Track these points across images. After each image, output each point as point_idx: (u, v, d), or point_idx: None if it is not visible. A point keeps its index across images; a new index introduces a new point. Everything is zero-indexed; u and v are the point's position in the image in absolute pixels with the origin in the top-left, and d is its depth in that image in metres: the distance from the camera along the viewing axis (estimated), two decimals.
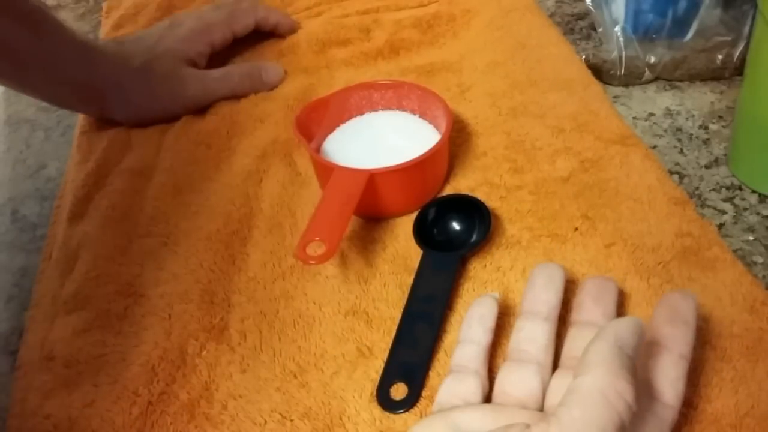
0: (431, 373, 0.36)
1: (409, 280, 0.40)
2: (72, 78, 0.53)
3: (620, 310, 0.37)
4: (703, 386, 0.33)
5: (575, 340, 0.34)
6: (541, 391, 0.32)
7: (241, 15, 0.61)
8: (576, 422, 0.24)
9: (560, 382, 0.32)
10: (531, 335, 0.34)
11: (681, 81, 0.56)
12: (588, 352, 0.26)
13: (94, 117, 0.56)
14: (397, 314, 0.38)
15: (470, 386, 0.33)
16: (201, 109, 0.56)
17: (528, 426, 0.26)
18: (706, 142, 0.50)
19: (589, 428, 0.24)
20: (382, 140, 0.48)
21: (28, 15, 0.49)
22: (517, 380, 0.32)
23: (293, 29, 0.64)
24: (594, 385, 0.25)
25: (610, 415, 0.25)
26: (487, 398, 0.33)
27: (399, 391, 0.35)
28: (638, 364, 0.33)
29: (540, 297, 0.35)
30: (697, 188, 0.46)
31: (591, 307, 0.35)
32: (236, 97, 0.56)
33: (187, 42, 0.56)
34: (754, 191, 0.46)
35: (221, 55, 0.61)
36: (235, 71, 0.57)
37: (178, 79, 0.55)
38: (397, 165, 0.43)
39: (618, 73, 0.56)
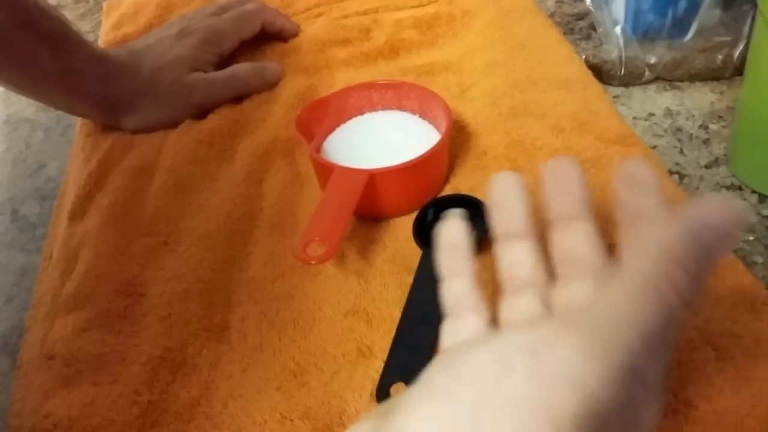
0: None
1: (409, 280, 0.40)
2: (90, 91, 0.53)
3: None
4: (704, 386, 0.33)
5: (560, 241, 0.31)
6: (546, 310, 0.29)
7: (249, 21, 0.61)
8: (611, 308, 0.20)
9: (562, 296, 0.29)
10: (516, 258, 0.31)
11: (681, 81, 0.56)
12: (646, 238, 0.22)
13: (110, 125, 0.57)
14: (397, 314, 0.38)
15: (473, 324, 0.29)
16: None
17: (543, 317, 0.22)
18: (706, 142, 0.50)
19: (625, 317, 0.20)
20: (382, 140, 0.48)
21: (50, 32, 0.50)
22: (520, 309, 0.29)
23: (296, 34, 0.64)
24: (641, 269, 0.21)
25: (655, 306, 0.20)
26: None
27: (399, 391, 0.35)
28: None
29: (507, 214, 0.31)
30: (697, 188, 0.47)
31: (560, 199, 0.31)
32: (240, 97, 0.57)
33: (197, 51, 0.56)
34: (754, 191, 0.46)
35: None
36: (239, 73, 0.57)
37: (185, 87, 0.55)
38: (397, 165, 0.43)
39: (618, 73, 0.56)
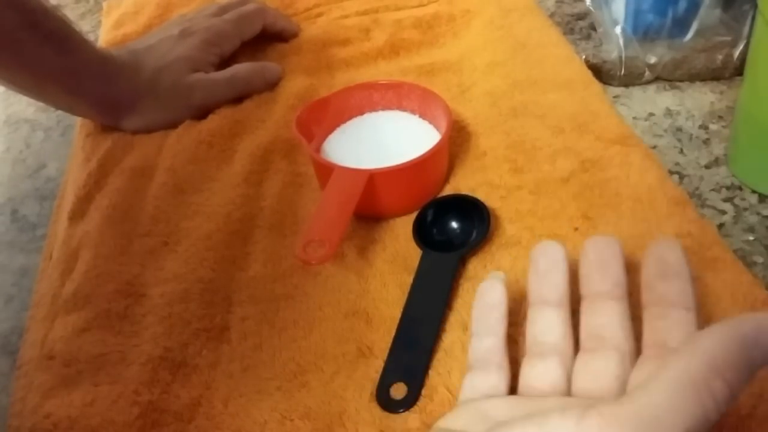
0: (431, 373, 0.36)
1: (409, 280, 0.40)
2: (91, 91, 0.53)
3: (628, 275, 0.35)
4: None
5: (590, 317, 0.32)
6: (566, 381, 0.30)
7: (250, 23, 0.61)
8: (654, 407, 0.21)
9: (584, 366, 0.30)
10: (546, 325, 0.32)
11: (681, 81, 0.56)
12: (695, 337, 0.22)
13: (111, 125, 0.57)
14: (397, 314, 0.38)
15: (494, 380, 0.31)
16: None
17: (591, 406, 0.22)
18: (706, 142, 0.50)
19: (666, 417, 0.21)
20: (382, 140, 0.48)
21: (53, 32, 0.50)
22: (541, 374, 0.31)
23: (296, 35, 0.64)
24: (686, 372, 0.21)
25: (695, 412, 0.21)
26: (512, 392, 0.32)
27: (399, 390, 0.35)
28: (644, 328, 0.31)
29: (546, 282, 0.33)
30: (697, 188, 0.47)
31: (598, 277, 0.32)
32: (240, 97, 0.57)
33: (198, 52, 0.56)
34: (754, 191, 0.46)
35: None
36: (240, 73, 0.57)
37: (186, 88, 0.55)
38: (397, 165, 0.43)
39: (618, 73, 0.56)
